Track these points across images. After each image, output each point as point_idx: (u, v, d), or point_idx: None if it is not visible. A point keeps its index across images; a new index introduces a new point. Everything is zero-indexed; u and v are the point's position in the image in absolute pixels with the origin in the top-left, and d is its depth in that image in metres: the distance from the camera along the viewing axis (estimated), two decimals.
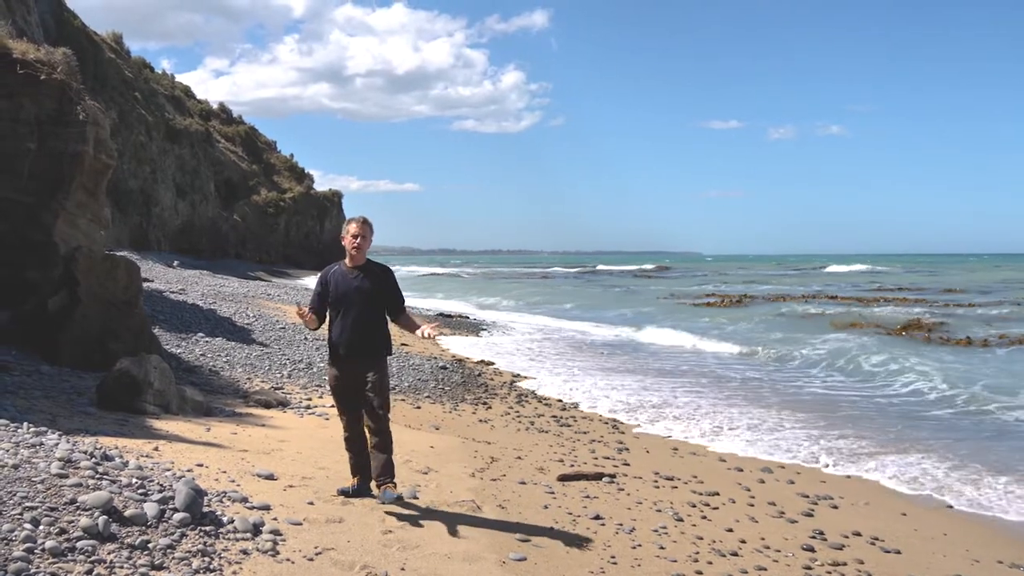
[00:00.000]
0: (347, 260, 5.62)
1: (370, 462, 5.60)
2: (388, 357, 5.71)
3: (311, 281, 43.26)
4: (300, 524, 4.85)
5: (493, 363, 15.44)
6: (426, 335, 5.48)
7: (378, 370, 5.55)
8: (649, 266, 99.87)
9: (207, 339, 12.83)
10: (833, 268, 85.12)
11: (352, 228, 5.56)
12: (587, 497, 6.70)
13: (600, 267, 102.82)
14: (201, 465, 5.71)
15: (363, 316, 5.48)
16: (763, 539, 5.98)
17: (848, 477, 8.33)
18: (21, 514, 3.84)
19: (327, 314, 5.64)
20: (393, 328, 5.76)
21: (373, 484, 5.61)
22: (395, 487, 5.54)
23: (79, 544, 3.75)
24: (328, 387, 5.64)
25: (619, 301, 36.82)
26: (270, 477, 5.79)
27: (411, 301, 25.15)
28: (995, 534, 6.76)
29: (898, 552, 5.98)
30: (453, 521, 5.48)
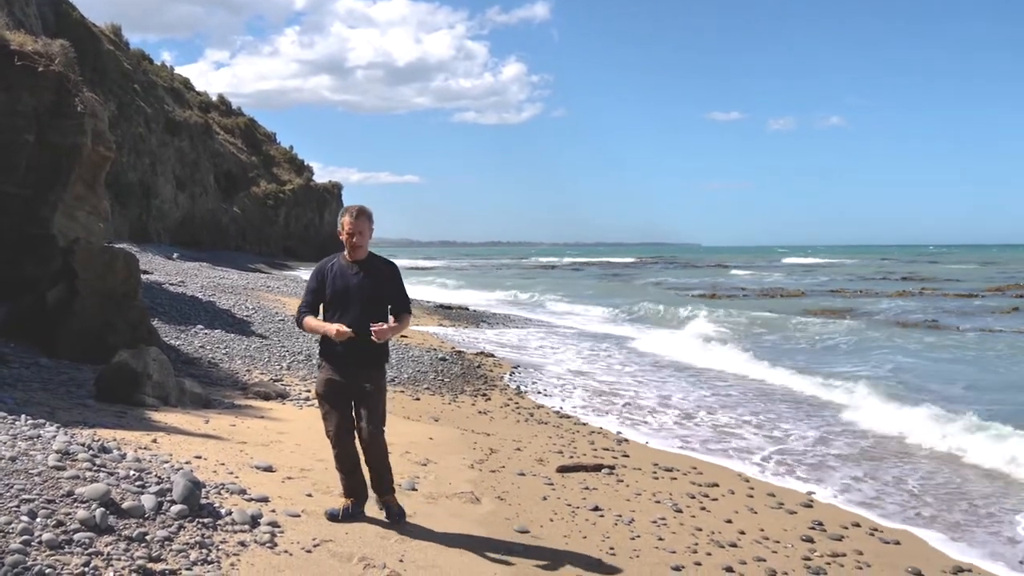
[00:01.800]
0: (346, 253, 4.98)
1: (364, 483, 5.08)
2: (386, 365, 5.08)
3: (310, 274, 42.99)
4: (298, 516, 4.85)
5: (493, 355, 15.44)
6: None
7: (375, 381, 4.92)
8: (631, 259, 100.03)
9: (206, 331, 12.82)
10: (790, 260, 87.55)
11: (346, 223, 4.86)
12: (586, 488, 6.70)
13: (566, 259, 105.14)
14: (199, 457, 5.71)
15: (362, 319, 4.76)
16: (762, 530, 5.98)
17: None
18: (18, 506, 3.84)
19: (321, 312, 4.97)
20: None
21: (372, 497, 5.12)
22: (395, 499, 5.13)
23: (76, 536, 3.74)
24: (315, 392, 5.10)
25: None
26: (269, 469, 5.79)
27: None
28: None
29: (897, 543, 5.98)
30: (452, 512, 5.49)
